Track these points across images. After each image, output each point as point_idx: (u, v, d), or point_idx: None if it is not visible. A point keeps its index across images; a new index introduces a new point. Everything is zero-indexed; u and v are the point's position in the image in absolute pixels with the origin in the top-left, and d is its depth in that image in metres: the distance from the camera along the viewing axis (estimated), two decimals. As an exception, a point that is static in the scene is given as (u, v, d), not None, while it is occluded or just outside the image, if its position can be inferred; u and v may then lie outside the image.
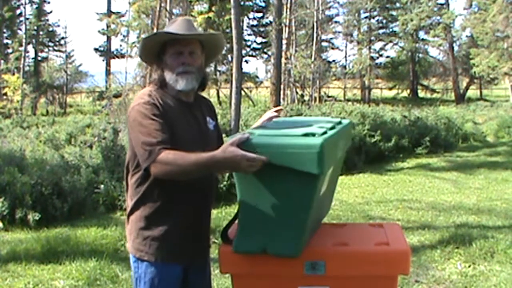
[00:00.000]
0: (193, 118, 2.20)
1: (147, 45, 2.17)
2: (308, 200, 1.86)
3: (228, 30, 21.70)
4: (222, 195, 6.93)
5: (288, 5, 21.43)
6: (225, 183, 7.12)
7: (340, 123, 2.24)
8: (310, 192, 1.85)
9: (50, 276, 4.41)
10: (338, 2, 37.05)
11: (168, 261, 2.14)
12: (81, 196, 6.72)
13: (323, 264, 1.95)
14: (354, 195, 7.76)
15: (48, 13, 35.84)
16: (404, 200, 7.31)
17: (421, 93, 36.80)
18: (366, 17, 36.22)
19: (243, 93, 20.79)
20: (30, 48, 33.61)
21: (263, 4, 30.94)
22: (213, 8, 22.59)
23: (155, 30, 19.57)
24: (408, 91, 36.97)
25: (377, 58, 36.59)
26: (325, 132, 1.91)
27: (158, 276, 2.13)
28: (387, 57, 37.11)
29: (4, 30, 33.84)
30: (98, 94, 31.27)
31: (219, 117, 11.24)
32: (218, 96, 30.49)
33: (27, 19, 32.95)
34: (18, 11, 33.63)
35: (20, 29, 33.62)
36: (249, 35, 32.61)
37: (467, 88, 34.33)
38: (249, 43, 32.22)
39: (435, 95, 35.16)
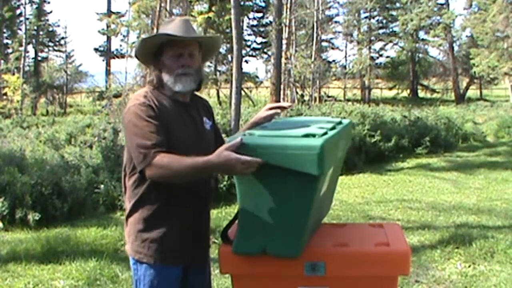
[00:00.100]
0: (190, 118, 2.20)
1: (146, 45, 2.16)
2: (308, 201, 1.86)
3: (228, 30, 21.76)
4: (222, 195, 6.93)
5: (288, 5, 21.40)
6: (225, 183, 7.11)
7: (340, 123, 2.24)
8: (310, 193, 1.85)
9: (50, 276, 4.41)
10: (338, 2, 37.12)
11: (167, 263, 2.13)
12: (81, 196, 6.72)
13: (323, 265, 1.95)
14: (354, 195, 7.76)
15: (48, 13, 35.85)
16: (404, 200, 7.31)
17: (421, 93, 36.80)
18: (366, 17, 36.24)
19: (243, 93, 20.77)
20: (30, 48, 33.68)
21: (263, 4, 30.96)
22: (213, 8, 22.64)
23: (155, 30, 19.58)
24: (408, 91, 36.97)
25: (377, 58, 36.60)
26: (325, 133, 1.90)
27: (157, 278, 2.13)
28: (387, 57, 37.15)
29: (4, 30, 33.84)
30: (98, 94, 31.22)
31: (219, 117, 11.34)
32: (218, 96, 30.49)
33: (27, 19, 32.94)
34: (18, 11, 33.62)
35: (20, 29, 33.62)
36: (249, 35, 32.66)
37: (467, 88, 34.33)
38: (249, 43, 32.23)
39: (435, 95, 35.17)
